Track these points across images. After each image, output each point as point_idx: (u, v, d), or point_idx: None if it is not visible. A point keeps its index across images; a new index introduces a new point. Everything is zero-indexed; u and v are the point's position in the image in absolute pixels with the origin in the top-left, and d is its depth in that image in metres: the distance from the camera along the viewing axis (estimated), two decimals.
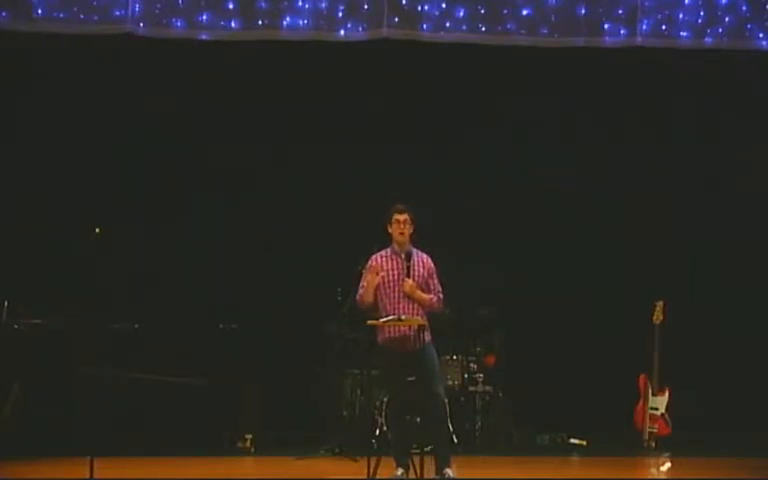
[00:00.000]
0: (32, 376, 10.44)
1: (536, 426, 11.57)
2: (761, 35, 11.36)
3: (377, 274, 8.87)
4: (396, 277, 8.92)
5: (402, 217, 8.93)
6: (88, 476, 8.48)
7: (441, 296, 9.00)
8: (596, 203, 12.10)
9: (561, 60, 11.49)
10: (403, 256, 8.93)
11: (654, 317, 11.33)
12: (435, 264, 9.05)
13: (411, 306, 8.89)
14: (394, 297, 8.89)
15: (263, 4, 11.23)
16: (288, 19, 11.26)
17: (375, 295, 8.91)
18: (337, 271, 10.53)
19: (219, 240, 11.95)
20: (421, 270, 8.97)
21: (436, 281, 9.02)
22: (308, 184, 12.08)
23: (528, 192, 12.16)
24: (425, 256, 9.05)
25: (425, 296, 8.93)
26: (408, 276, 8.87)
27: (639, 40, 11.32)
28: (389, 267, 8.94)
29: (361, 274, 9.07)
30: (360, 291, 8.98)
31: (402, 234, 8.94)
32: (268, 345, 11.45)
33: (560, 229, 12.10)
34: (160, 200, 11.96)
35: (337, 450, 10.60)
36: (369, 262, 9.03)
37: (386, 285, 8.91)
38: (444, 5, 11.28)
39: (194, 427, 10.76)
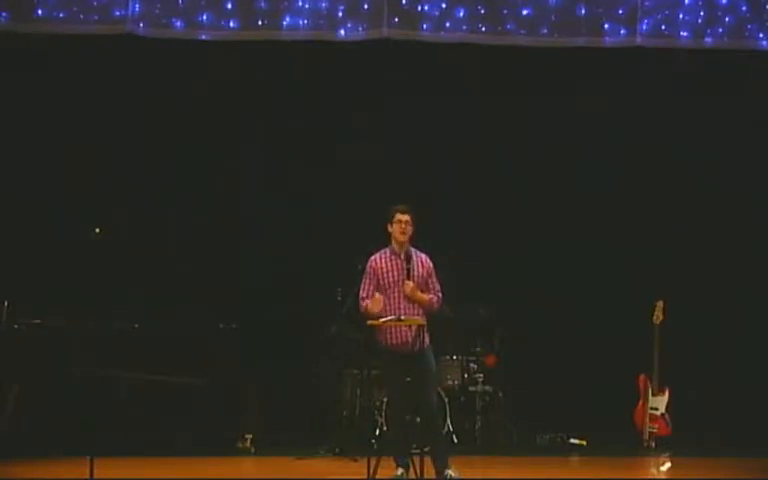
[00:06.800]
0: (32, 376, 10.44)
1: (536, 426, 11.56)
2: (761, 35, 11.35)
3: (380, 300, 8.85)
4: (396, 278, 8.92)
5: (405, 217, 8.93)
6: (88, 476, 8.48)
7: (440, 296, 9.01)
8: (596, 203, 12.10)
9: (561, 60, 11.49)
10: (402, 257, 8.93)
11: (654, 317, 11.33)
12: (434, 264, 9.06)
13: (411, 307, 8.90)
14: (394, 298, 8.89)
15: (263, 4, 11.22)
16: (288, 19, 11.26)
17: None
18: (337, 271, 10.54)
19: (219, 240, 11.95)
20: (420, 270, 8.97)
21: (435, 280, 9.03)
22: (308, 184, 12.08)
23: (528, 191, 12.17)
24: (424, 256, 9.05)
25: (425, 297, 8.94)
26: (408, 278, 8.88)
27: (639, 40, 11.31)
28: (389, 268, 8.94)
29: (361, 274, 9.07)
30: (367, 303, 8.92)
31: (404, 234, 8.93)
32: (268, 345, 11.45)
33: (560, 229, 12.10)
34: (160, 200, 11.96)
35: (337, 450, 10.60)
36: (368, 262, 9.03)
37: (386, 286, 8.91)
38: (444, 5, 11.28)
39: (194, 427, 10.76)
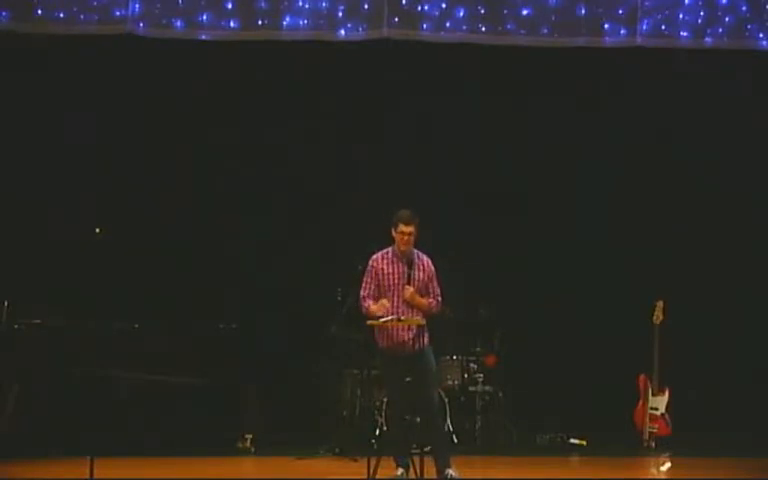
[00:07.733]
0: (32, 376, 10.43)
1: (536, 426, 11.56)
2: (761, 35, 11.35)
3: (384, 306, 8.86)
4: (396, 281, 8.92)
5: (408, 229, 8.89)
6: (88, 476, 8.48)
7: (440, 300, 9.01)
8: (596, 203, 12.10)
9: (561, 60, 11.49)
10: (404, 261, 8.92)
11: (654, 317, 11.33)
12: (435, 267, 9.05)
13: (410, 310, 8.90)
14: (394, 300, 8.89)
15: (263, 4, 11.22)
16: (288, 19, 11.26)
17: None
18: (337, 271, 10.53)
19: (219, 239, 11.95)
20: (421, 275, 8.96)
21: (435, 284, 9.02)
22: (308, 184, 12.08)
23: (528, 191, 12.16)
24: (426, 259, 9.04)
25: (424, 301, 8.94)
26: (408, 283, 8.87)
27: (639, 40, 11.31)
28: (390, 270, 8.94)
29: (361, 275, 9.07)
30: (369, 304, 8.91)
31: (406, 245, 8.92)
32: (268, 345, 11.45)
33: (560, 229, 12.10)
34: (159, 199, 11.96)
35: (337, 450, 10.60)
36: (370, 261, 9.03)
37: (386, 288, 8.91)
38: (444, 5, 11.27)
39: (194, 427, 10.75)
